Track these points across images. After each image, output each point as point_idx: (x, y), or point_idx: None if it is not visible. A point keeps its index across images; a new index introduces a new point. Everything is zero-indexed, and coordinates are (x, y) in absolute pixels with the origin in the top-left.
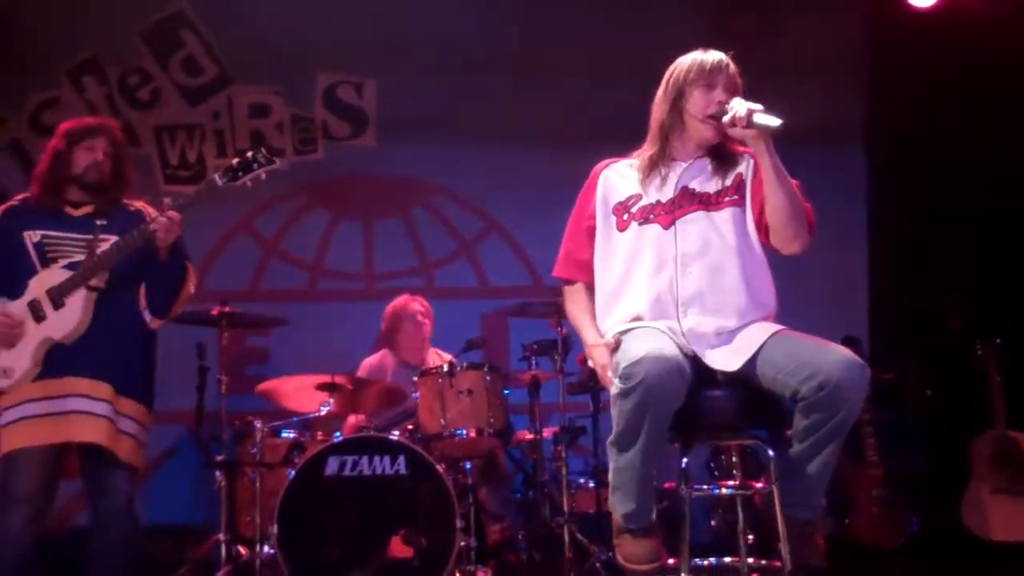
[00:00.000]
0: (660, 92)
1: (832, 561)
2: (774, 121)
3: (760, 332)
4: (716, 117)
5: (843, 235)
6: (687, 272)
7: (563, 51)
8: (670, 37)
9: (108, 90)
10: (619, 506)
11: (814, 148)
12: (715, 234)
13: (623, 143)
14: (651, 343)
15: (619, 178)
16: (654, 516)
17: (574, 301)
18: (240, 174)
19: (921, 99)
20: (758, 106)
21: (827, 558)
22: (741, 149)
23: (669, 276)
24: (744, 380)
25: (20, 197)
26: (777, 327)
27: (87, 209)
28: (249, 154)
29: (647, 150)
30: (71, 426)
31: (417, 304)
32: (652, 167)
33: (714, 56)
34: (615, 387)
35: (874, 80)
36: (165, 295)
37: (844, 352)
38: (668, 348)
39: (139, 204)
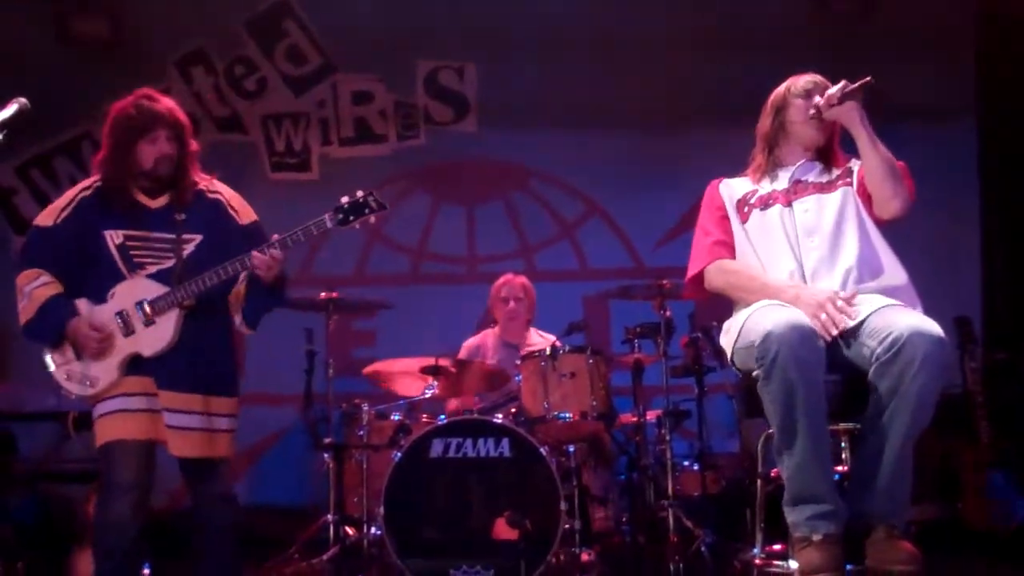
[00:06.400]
0: (763, 115)
1: (940, 547)
2: (863, 81)
3: (875, 301)
4: (817, 114)
5: (956, 213)
6: (810, 243)
7: (663, 29)
8: (771, 14)
9: (215, 80)
10: (803, 514)
11: (924, 125)
12: (830, 210)
13: (724, 122)
14: (775, 315)
15: (735, 184)
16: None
17: (732, 267)
18: (351, 217)
19: None
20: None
21: (922, 562)
22: (844, 160)
23: (794, 248)
24: (851, 362)
25: (90, 184)
26: (893, 301)
27: (164, 200)
28: (360, 196)
29: (755, 161)
30: (165, 435)
31: (509, 287)
32: (763, 173)
33: (810, 76)
34: (758, 379)
35: (983, 53)
36: (261, 312)
37: (925, 320)
38: (795, 314)
39: (216, 188)
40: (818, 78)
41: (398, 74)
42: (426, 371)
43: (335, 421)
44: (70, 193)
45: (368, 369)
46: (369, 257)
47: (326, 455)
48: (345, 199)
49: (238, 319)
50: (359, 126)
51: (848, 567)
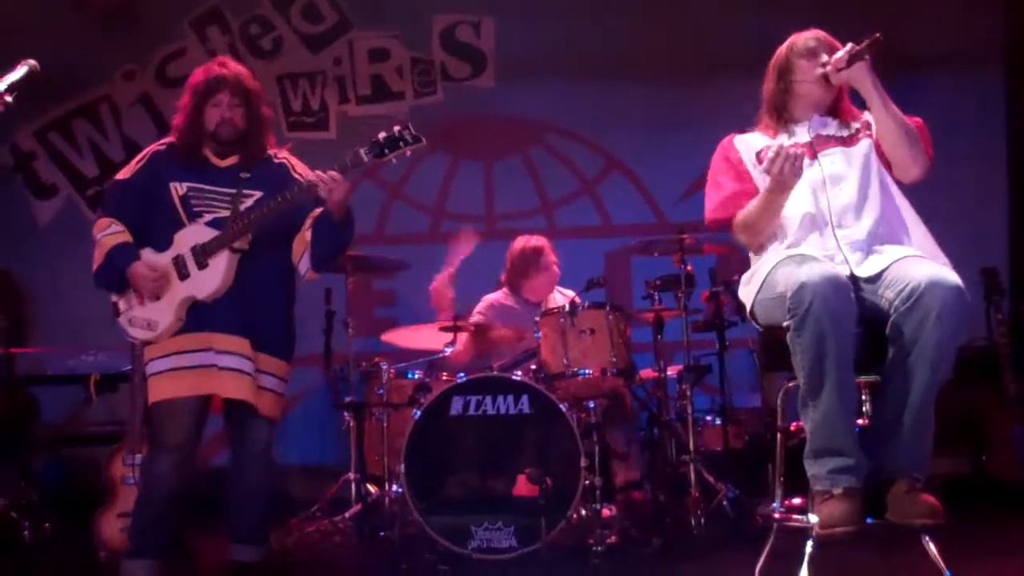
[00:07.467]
0: (766, 78)
1: (964, 500)
2: (871, 39)
3: (898, 251)
4: (825, 74)
5: (983, 161)
6: (837, 189)
7: None
8: None
9: (231, 40)
10: (824, 467)
11: (951, 71)
12: (856, 162)
13: (746, 73)
14: (808, 267)
15: (750, 139)
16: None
17: (743, 212)
18: (386, 151)
19: None
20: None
21: (943, 515)
22: (857, 113)
23: (821, 196)
24: (871, 314)
25: (166, 142)
26: (912, 251)
27: (232, 160)
28: (396, 130)
29: (763, 122)
30: (216, 380)
31: (546, 253)
32: (775, 132)
33: (811, 33)
34: (789, 330)
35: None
36: (331, 252)
37: (942, 270)
38: (828, 267)
39: (284, 155)
40: (821, 34)
41: (414, 30)
42: (445, 330)
43: (355, 380)
44: (145, 151)
45: (386, 337)
46: (388, 216)
47: (347, 414)
48: (382, 134)
49: (304, 265)
50: (376, 84)
51: (868, 521)
